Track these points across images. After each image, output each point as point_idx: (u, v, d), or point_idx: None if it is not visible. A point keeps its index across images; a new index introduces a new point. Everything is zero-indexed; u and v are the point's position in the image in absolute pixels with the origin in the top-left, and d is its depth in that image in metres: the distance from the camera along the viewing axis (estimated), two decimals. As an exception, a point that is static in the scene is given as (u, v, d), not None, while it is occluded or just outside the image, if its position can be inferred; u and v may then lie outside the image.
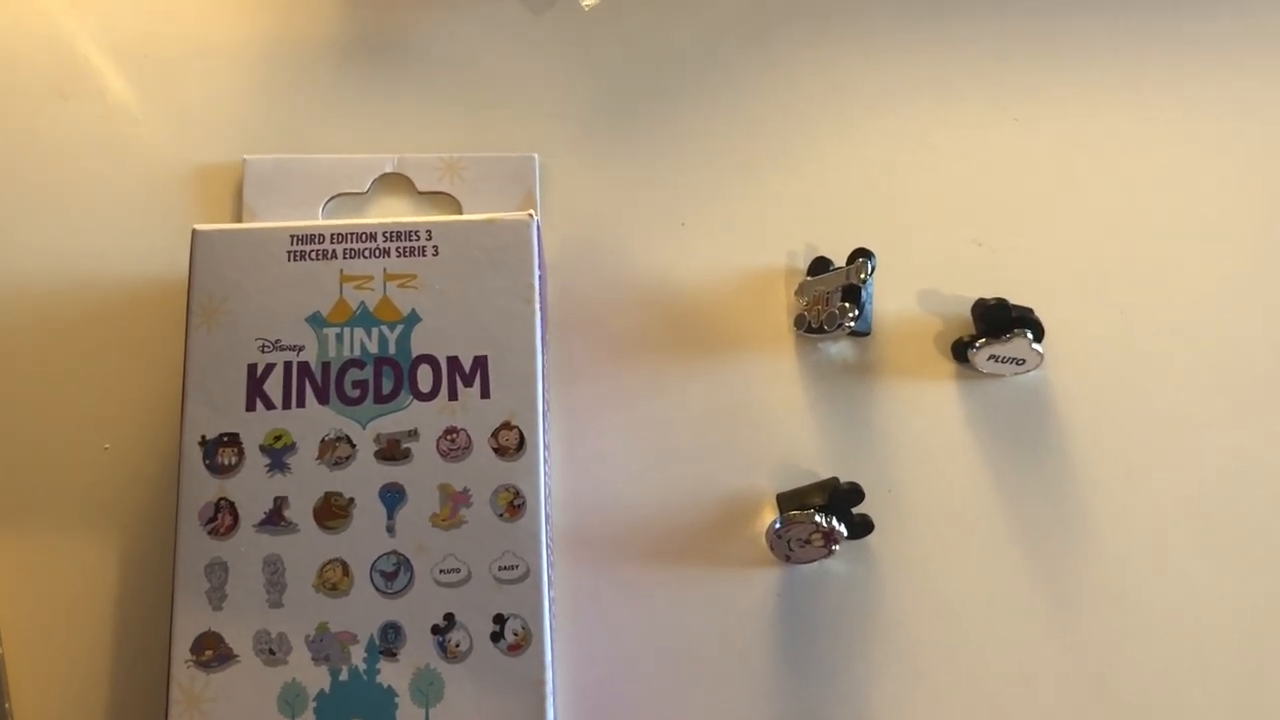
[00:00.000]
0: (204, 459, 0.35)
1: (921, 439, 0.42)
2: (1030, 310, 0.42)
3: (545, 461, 0.36)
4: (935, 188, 0.45)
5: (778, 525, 0.39)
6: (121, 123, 0.45)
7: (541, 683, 0.34)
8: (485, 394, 0.36)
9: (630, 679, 0.38)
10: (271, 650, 0.34)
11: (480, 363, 0.36)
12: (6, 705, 0.38)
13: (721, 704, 0.39)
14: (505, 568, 0.35)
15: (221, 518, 0.35)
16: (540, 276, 0.38)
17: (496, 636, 0.34)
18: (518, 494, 0.35)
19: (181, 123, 0.45)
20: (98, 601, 0.39)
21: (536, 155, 0.44)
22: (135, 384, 0.41)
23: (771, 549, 0.39)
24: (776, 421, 0.42)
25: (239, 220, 0.43)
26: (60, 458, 0.41)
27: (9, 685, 0.38)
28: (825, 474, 0.41)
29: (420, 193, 0.43)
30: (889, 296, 0.43)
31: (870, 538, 0.40)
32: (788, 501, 0.40)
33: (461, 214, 0.42)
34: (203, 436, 0.36)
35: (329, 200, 0.43)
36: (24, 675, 0.38)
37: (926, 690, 0.39)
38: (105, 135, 0.45)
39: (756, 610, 0.40)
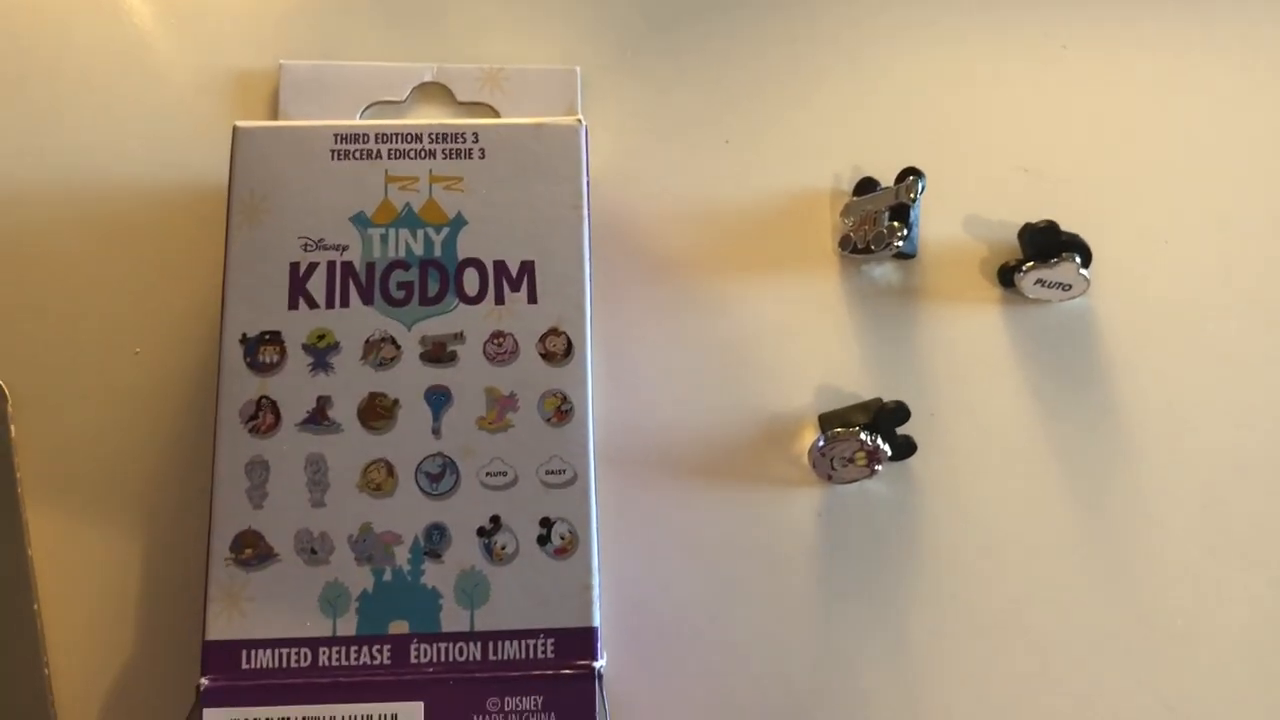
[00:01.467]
0: (245, 357, 0.35)
1: (965, 363, 0.42)
2: (1078, 235, 0.42)
3: (593, 369, 0.36)
4: (983, 113, 0.45)
5: (821, 443, 0.39)
6: (158, 27, 0.45)
7: (588, 587, 0.34)
8: (533, 299, 0.36)
9: (669, 594, 0.39)
10: (313, 550, 0.34)
11: (527, 268, 0.36)
12: (36, 606, 0.38)
13: (759, 620, 0.39)
14: (552, 472, 0.35)
15: (263, 416, 0.35)
16: (587, 183, 0.37)
17: (543, 540, 0.34)
18: (565, 399, 0.35)
19: (218, 27, 0.45)
20: (131, 503, 0.39)
21: (578, 68, 0.44)
22: (166, 289, 0.41)
23: (814, 468, 0.40)
24: (819, 343, 0.42)
25: (274, 127, 0.42)
26: (91, 362, 0.40)
27: (39, 590, 0.38)
28: (867, 396, 0.41)
29: (459, 103, 0.43)
30: (934, 220, 0.43)
31: (911, 460, 0.40)
32: (830, 421, 0.40)
33: (503, 123, 0.42)
34: (244, 334, 0.35)
35: (367, 108, 0.43)
36: (57, 579, 0.38)
37: (963, 614, 0.39)
38: (141, 40, 0.45)
39: (796, 529, 0.40)
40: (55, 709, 0.37)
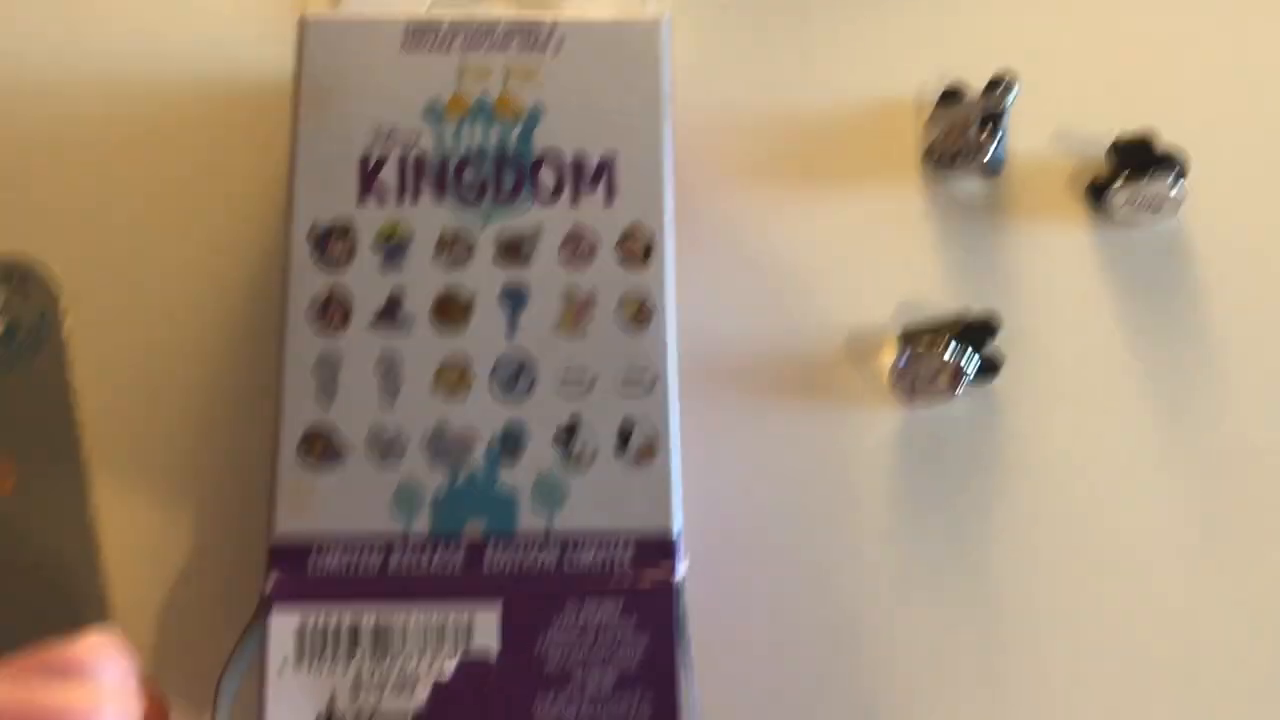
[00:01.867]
0: (313, 251, 0.34)
1: (1050, 284, 0.41)
2: (1174, 151, 0.40)
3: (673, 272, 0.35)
4: (1077, 20, 0.43)
5: (903, 362, 0.37)
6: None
7: (668, 494, 0.33)
8: (611, 197, 0.35)
9: (741, 509, 0.38)
10: (385, 449, 0.33)
11: (606, 164, 0.35)
12: (91, 507, 0.37)
13: (833, 540, 0.38)
14: (632, 375, 0.34)
15: (333, 312, 0.34)
16: (669, 80, 0.36)
17: (622, 445, 0.33)
18: (645, 302, 0.34)
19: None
20: (190, 402, 0.38)
21: (655, -33, 0.42)
22: (225, 187, 0.40)
23: (893, 387, 0.38)
24: (899, 259, 0.41)
25: (337, 20, 0.41)
26: (147, 260, 0.39)
27: (95, 490, 0.37)
28: (947, 314, 0.39)
29: (530, -2, 0.42)
30: (1022, 134, 0.42)
31: (994, 384, 0.39)
32: (912, 338, 0.39)
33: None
34: (312, 228, 0.34)
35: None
36: (114, 478, 0.37)
37: (1044, 541, 0.38)
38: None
39: (873, 450, 0.39)
40: (113, 615, 0.36)
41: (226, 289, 0.39)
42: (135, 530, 0.37)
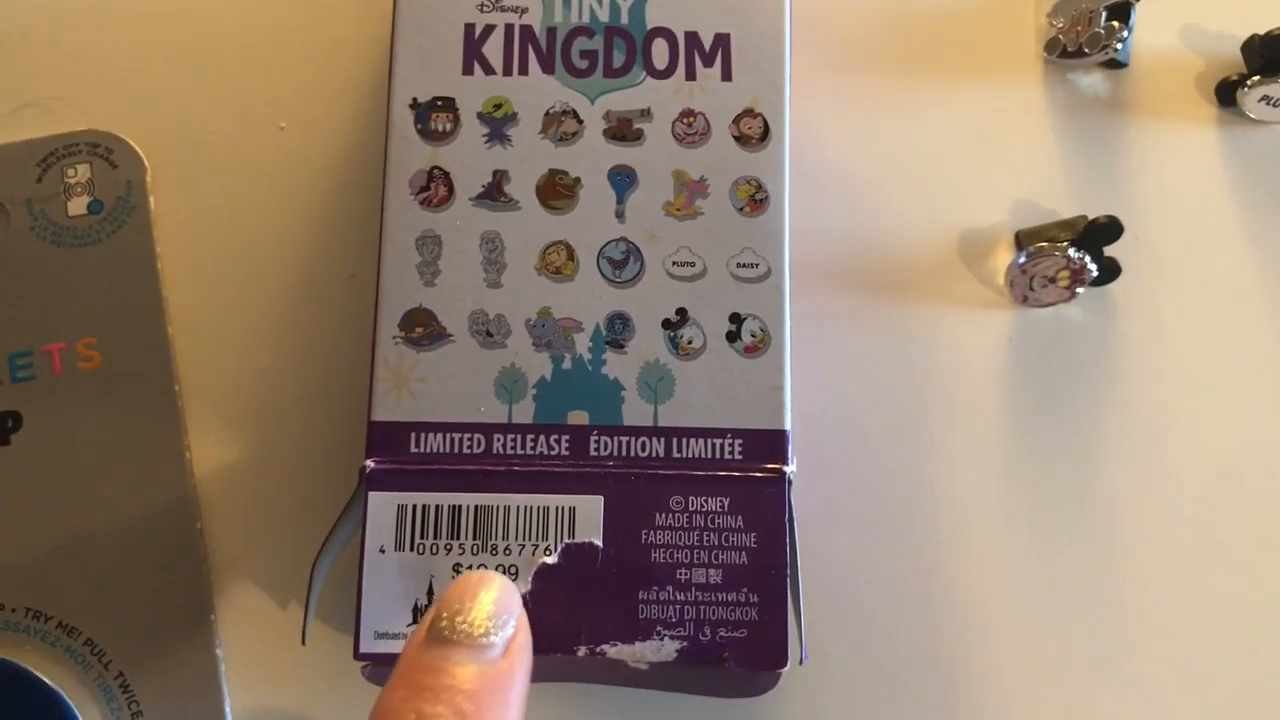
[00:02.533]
0: (415, 123, 0.33)
1: (1176, 186, 0.39)
2: (1312, 51, 0.38)
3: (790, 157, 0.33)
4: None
5: (1022, 259, 0.36)
6: None
7: (780, 388, 0.32)
8: (727, 76, 0.33)
9: (848, 409, 0.37)
10: (489, 332, 0.32)
11: (722, 41, 0.33)
12: (177, 387, 0.36)
13: (939, 445, 0.37)
14: (744, 265, 0.32)
15: (435, 188, 0.32)
16: (789, -46, 0.34)
17: (733, 336, 0.32)
18: (760, 187, 0.33)
19: None
20: (280, 282, 0.37)
21: None
22: (315, 62, 0.39)
23: (1010, 287, 0.37)
24: (1018, 155, 0.39)
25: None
26: (233, 135, 0.38)
27: (181, 371, 0.36)
28: (1067, 215, 0.38)
29: None
30: (1149, 28, 0.40)
31: (1112, 286, 0.38)
32: (1030, 238, 0.37)
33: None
34: (414, 99, 0.33)
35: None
36: (203, 357, 0.36)
37: (1159, 451, 0.37)
38: None
39: (985, 353, 0.37)
40: (199, 494, 0.36)
41: (318, 165, 0.38)
42: (222, 409, 0.36)
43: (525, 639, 0.27)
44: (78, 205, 0.37)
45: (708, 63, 0.33)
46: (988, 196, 0.38)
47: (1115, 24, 0.37)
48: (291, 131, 0.38)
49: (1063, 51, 0.38)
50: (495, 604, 0.27)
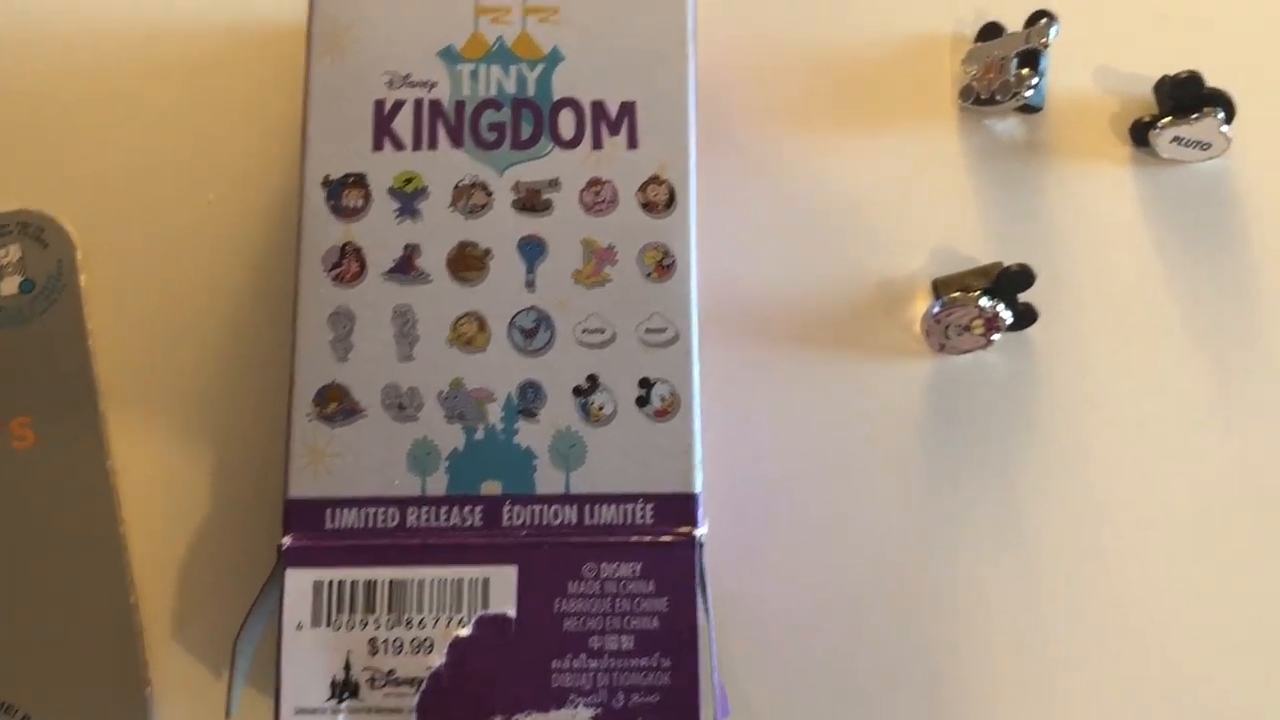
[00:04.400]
0: (328, 200, 0.33)
1: (1092, 227, 0.39)
2: (1222, 89, 0.39)
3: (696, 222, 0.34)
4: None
5: (937, 309, 0.36)
6: None
7: (689, 450, 0.32)
8: (633, 143, 0.34)
9: (768, 463, 0.37)
10: (401, 405, 0.32)
11: (628, 109, 0.34)
12: (109, 462, 0.37)
13: (862, 495, 0.37)
14: (653, 330, 0.33)
15: (347, 263, 0.33)
16: (694, 18, 0.35)
17: (643, 401, 0.32)
18: (667, 253, 0.33)
19: None
20: (206, 355, 0.37)
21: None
22: (240, 134, 0.39)
23: (926, 336, 0.37)
24: (935, 201, 0.39)
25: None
26: (162, 209, 0.39)
27: (112, 445, 0.37)
28: (986, 260, 0.38)
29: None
30: (1063, 70, 0.40)
31: (1029, 330, 0.38)
32: (946, 286, 0.38)
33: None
34: (326, 176, 0.33)
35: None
36: (130, 433, 0.37)
37: (1084, 492, 0.37)
38: None
39: (905, 401, 0.38)
40: (132, 569, 0.36)
41: (243, 240, 0.39)
42: (153, 484, 0.37)
43: None
44: (9, 285, 0.38)
45: (614, 131, 0.34)
46: (906, 244, 0.39)
47: (1025, 71, 0.38)
48: (220, 205, 0.39)
49: (976, 99, 0.39)
50: None
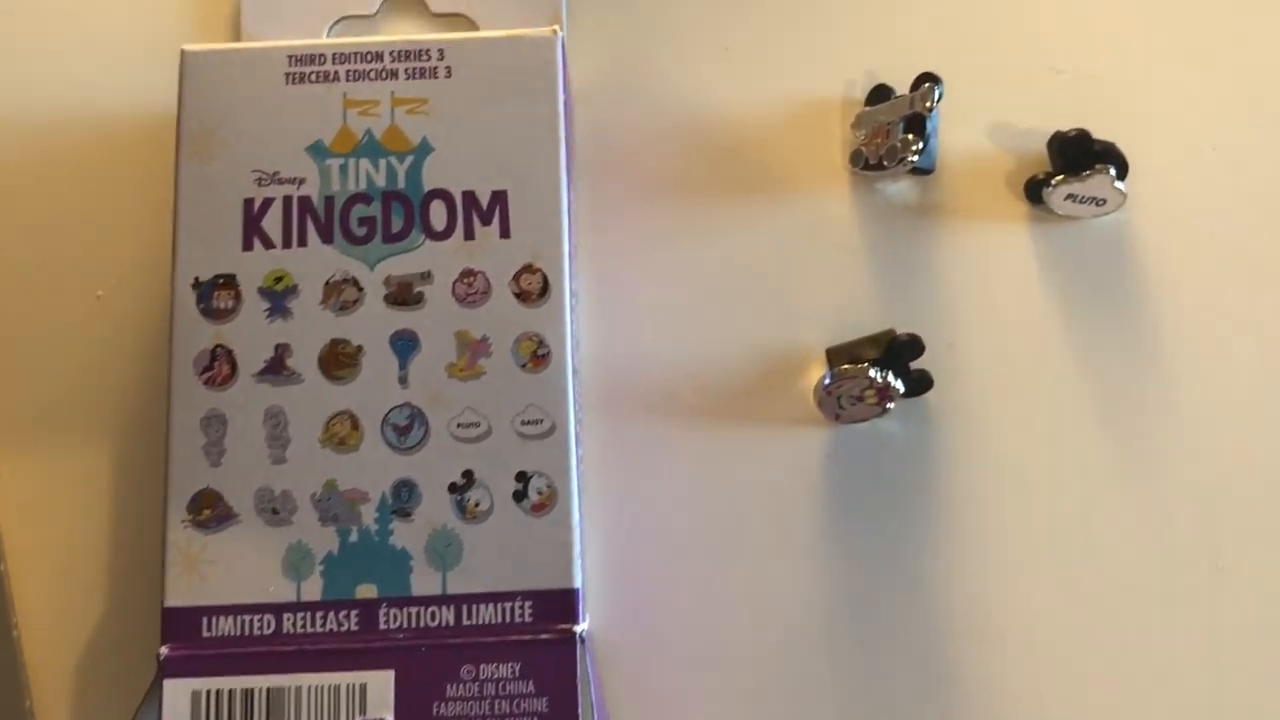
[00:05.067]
0: (198, 303, 0.33)
1: (988, 288, 0.39)
2: (1114, 145, 0.39)
3: (572, 309, 0.34)
4: (1011, 8, 0.41)
5: (827, 380, 0.36)
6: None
7: (568, 544, 0.32)
8: (505, 233, 0.34)
9: (664, 546, 0.37)
10: (275, 509, 0.32)
11: (499, 198, 0.34)
12: (3, 566, 0.36)
13: (762, 573, 0.37)
14: (529, 422, 0.33)
15: (218, 366, 0.33)
16: (566, 103, 0.35)
17: (519, 495, 0.32)
18: (542, 343, 0.33)
19: (170, -63, 0.42)
20: (96, 460, 0.37)
21: (563, -30, 0.41)
22: (127, 227, 0.39)
23: (820, 407, 0.37)
24: (828, 269, 0.39)
25: (236, 46, 0.40)
26: (50, 308, 0.38)
27: (5, 548, 0.37)
28: (881, 327, 0.38)
29: (434, 14, 0.40)
30: (956, 130, 0.40)
31: (928, 395, 0.38)
32: (839, 356, 0.37)
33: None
34: (196, 278, 0.33)
35: (335, 23, 0.40)
36: (20, 537, 0.37)
37: (983, 560, 0.37)
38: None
39: (803, 473, 0.38)
40: (28, 677, 0.36)
41: (132, 336, 0.38)
42: (45, 590, 0.37)
43: None
44: (-106, 390, 0.38)
45: (486, 221, 0.34)
46: (800, 313, 0.39)
47: (910, 136, 0.38)
48: (109, 299, 0.39)
49: (865, 164, 0.39)
50: None
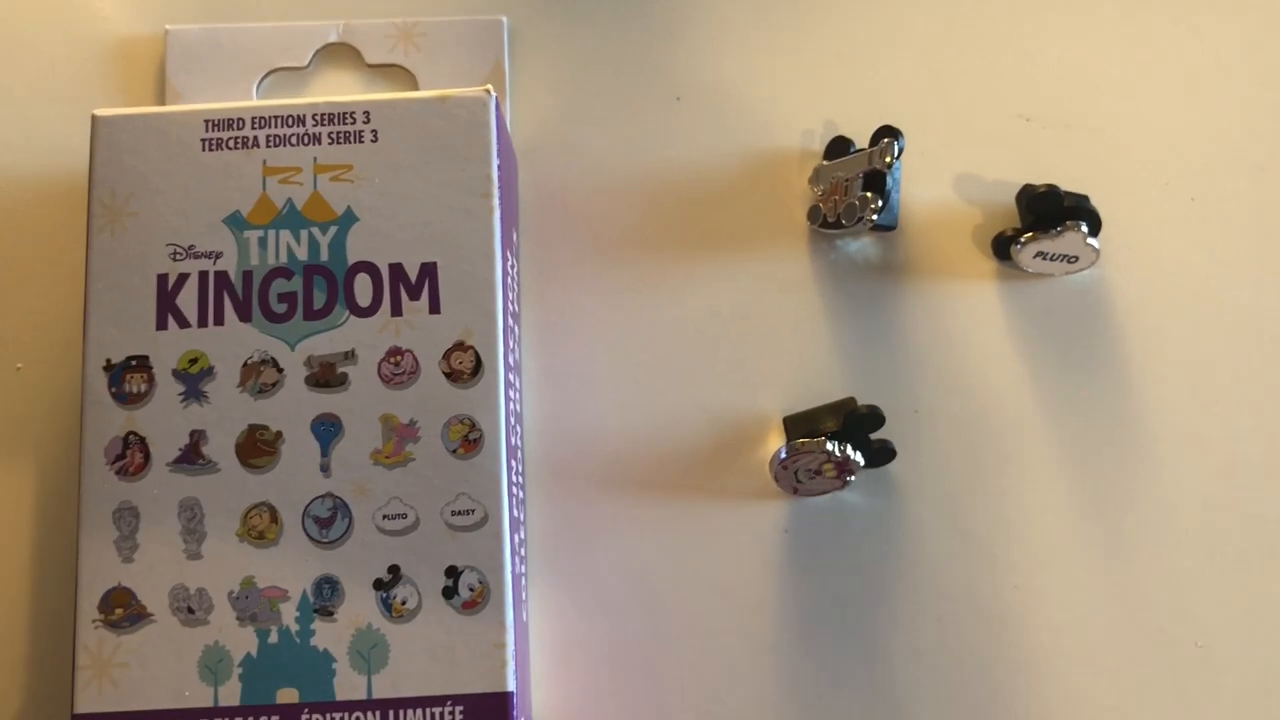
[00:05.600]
0: (110, 386, 0.32)
1: (955, 351, 0.38)
2: (1085, 198, 0.37)
3: (509, 386, 0.33)
4: (977, 54, 0.40)
5: (783, 455, 0.35)
6: (24, -11, 0.41)
7: (502, 645, 0.31)
8: (435, 308, 0.32)
9: (616, 630, 0.35)
10: (190, 608, 0.31)
11: (428, 271, 0.33)
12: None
13: (720, 656, 0.36)
14: (459, 512, 0.31)
15: (131, 455, 0.32)
16: (501, 166, 0.33)
17: (449, 592, 0.31)
18: (473, 426, 0.32)
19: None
20: (4, 546, 0.36)
21: (505, 18, 0.39)
22: (48, 296, 0.38)
23: (777, 480, 0.36)
24: (786, 332, 0.38)
25: (162, 103, 0.38)
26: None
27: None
28: (842, 393, 0.37)
29: (370, 66, 0.39)
30: (919, 184, 0.39)
31: (892, 465, 0.37)
32: (796, 426, 0.36)
33: (416, 90, 0.37)
34: (108, 360, 0.32)
35: (264, 77, 0.39)
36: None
37: (952, 638, 0.36)
38: (7, 5, 0.40)
39: (761, 549, 0.36)
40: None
41: (53, 412, 0.37)
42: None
43: None
44: None
45: (414, 295, 0.32)
46: (757, 378, 0.38)
47: (869, 194, 0.36)
48: (29, 371, 0.37)
49: (824, 221, 0.38)
50: None
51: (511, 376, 0.33)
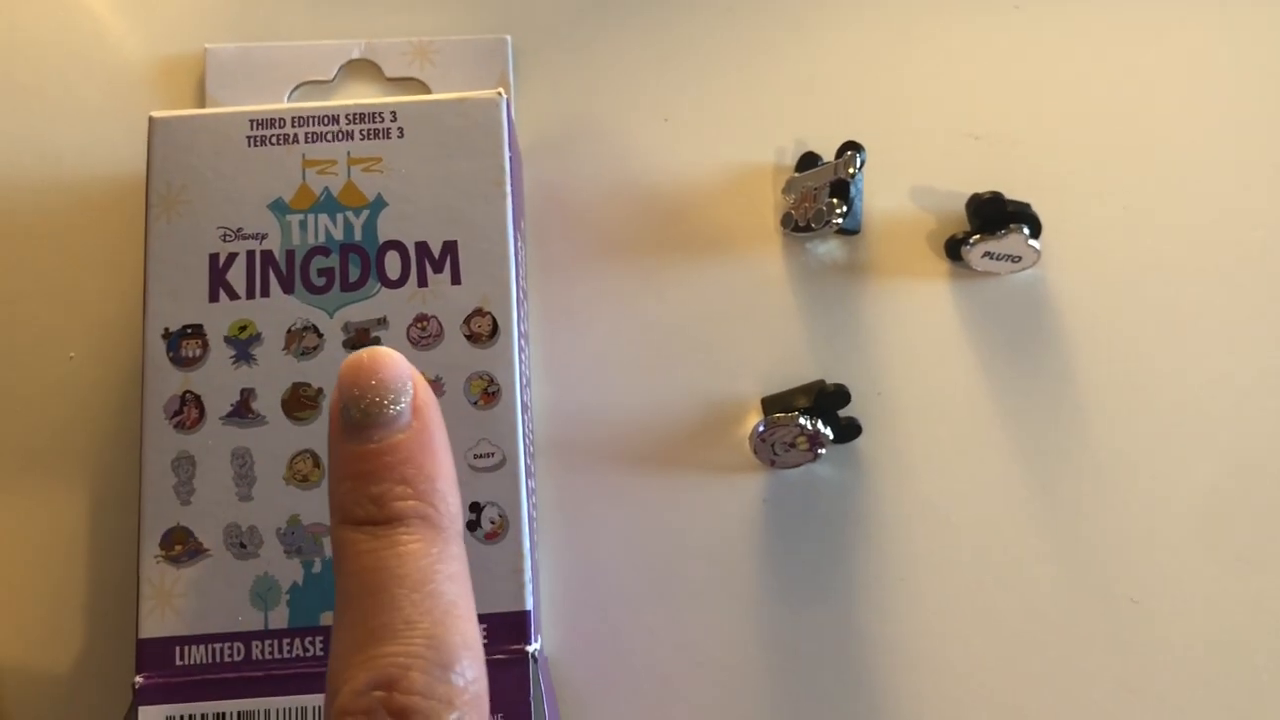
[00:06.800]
0: (168, 352, 0.38)
1: (913, 340, 0.44)
2: (1027, 205, 0.43)
3: (521, 350, 0.38)
4: (932, 78, 0.46)
5: (761, 428, 0.41)
6: (79, 14, 0.46)
7: (520, 570, 0.36)
8: (456, 280, 0.38)
9: (610, 586, 0.41)
10: (242, 544, 0.36)
11: (450, 248, 0.38)
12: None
13: (703, 610, 0.41)
14: (481, 455, 0.37)
15: (187, 411, 0.37)
16: (511, 159, 0.40)
17: (473, 525, 0.36)
18: (492, 381, 0.37)
19: (141, 12, 0.47)
20: (68, 504, 0.41)
21: (509, 37, 0.46)
22: (96, 289, 0.43)
23: (755, 453, 0.42)
24: (763, 324, 0.44)
25: (197, 114, 0.44)
26: (24, 371, 0.43)
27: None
28: (813, 377, 0.43)
29: (388, 79, 0.45)
30: (880, 193, 0.45)
31: (859, 441, 0.42)
32: (772, 405, 0.42)
33: (430, 101, 0.44)
34: (166, 329, 0.38)
35: (294, 89, 0.45)
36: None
37: (914, 598, 0.41)
38: (61, 28, 0.46)
39: (741, 516, 0.42)
40: (5, 708, 0.39)
41: (104, 392, 0.42)
42: (20, 625, 0.40)
43: (425, 395, 0.30)
44: None
45: (438, 269, 0.38)
46: (736, 366, 0.43)
47: (835, 200, 0.43)
48: (81, 360, 0.43)
49: (795, 226, 0.44)
50: (384, 379, 0.29)
51: (523, 342, 0.39)
